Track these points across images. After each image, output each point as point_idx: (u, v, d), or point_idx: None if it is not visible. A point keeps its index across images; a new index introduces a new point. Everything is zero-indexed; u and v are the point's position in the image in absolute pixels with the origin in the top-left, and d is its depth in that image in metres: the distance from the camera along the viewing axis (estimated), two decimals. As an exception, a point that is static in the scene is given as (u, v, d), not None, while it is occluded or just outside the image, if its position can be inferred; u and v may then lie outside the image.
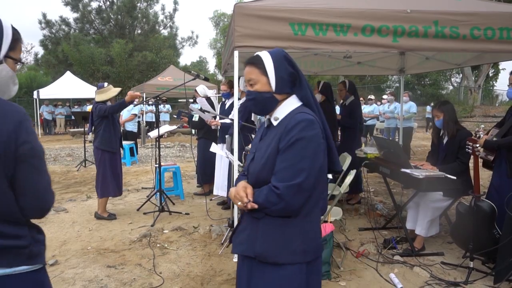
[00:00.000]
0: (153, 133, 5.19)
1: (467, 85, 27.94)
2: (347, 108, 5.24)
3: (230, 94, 5.10)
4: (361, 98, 12.60)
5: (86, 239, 4.20)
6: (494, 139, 3.38)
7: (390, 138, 9.67)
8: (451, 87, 30.55)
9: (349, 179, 3.48)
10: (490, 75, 29.10)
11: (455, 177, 3.44)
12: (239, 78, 4.93)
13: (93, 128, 4.91)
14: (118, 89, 4.81)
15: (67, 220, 4.90)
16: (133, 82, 24.15)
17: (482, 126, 3.20)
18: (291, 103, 1.58)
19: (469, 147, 3.17)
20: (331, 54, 5.99)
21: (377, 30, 3.59)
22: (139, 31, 28.40)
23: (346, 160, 4.39)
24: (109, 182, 4.79)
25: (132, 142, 9.38)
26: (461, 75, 29.89)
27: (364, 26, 3.57)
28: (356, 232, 4.42)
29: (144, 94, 15.61)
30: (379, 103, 12.21)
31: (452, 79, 31.28)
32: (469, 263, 3.25)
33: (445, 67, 5.90)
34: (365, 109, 11.11)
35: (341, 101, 5.46)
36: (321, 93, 4.99)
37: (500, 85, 31.49)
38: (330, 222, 3.47)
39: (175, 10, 27.79)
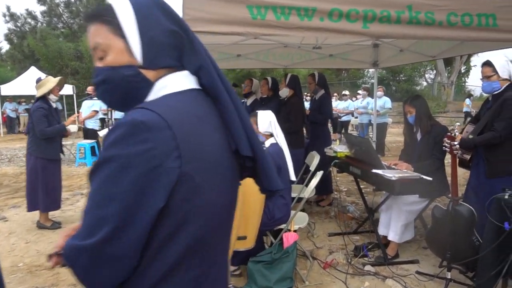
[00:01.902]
0: (102, 132, 4.69)
1: (440, 81, 28.28)
2: (317, 102, 4.87)
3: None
4: (335, 94, 12.39)
5: (19, 254, 3.67)
6: (470, 136, 3.06)
7: (363, 134, 9.43)
8: (425, 83, 30.87)
9: (314, 182, 3.10)
10: (462, 71, 29.56)
11: (431, 178, 3.10)
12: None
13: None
14: (57, 79, 4.26)
15: (4, 231, 4.34)
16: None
17: (458, 123, 2.88)
18: (173, 86, 0.89)
19: (446, 145, 2.83)
20: (300, 45, 5.62)
21: (346, 15, 3.19)
22: (109, 26, 27.46)
23: (314, 160, 4.02)
24: (40, 195, 4.18)
25: (94, 140, 8.76)
26: (434, 71, 30.25)
27: (331, 10, 3.17)
28: (325, 237, 4.05)
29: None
30: (354, 98, 11.96)
31: (426, 75, 31.62)
32: (447, 274, 2.92)
33: (420, 60, 5.61)
34: (340, 105, 10.83)
35: (311, 95, 5.09)
36: (289, 86, 4.59)
37: (472, 81, 32.08)
38: (294, 231, 3.08)
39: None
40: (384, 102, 8.74)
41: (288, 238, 2.96)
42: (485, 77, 3.10)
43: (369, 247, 3.63)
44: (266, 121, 3.11)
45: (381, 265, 3.37)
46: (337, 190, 5.82)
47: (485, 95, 3.89)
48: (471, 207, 2.86)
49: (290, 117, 4.43)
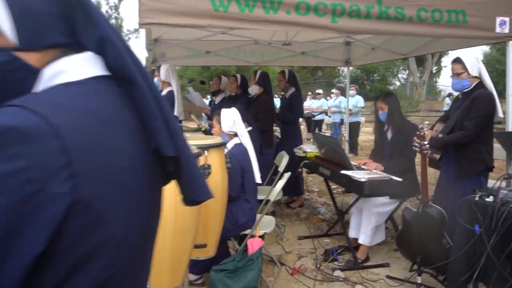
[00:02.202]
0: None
1: (413, 81, 28.84)
2: (287, 101, 4.71)
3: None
4: (309, 93, 12.33)
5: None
6: (440, 135, 2.97)
7: (336, 133, 9.37)
8: (398, 83, 31.40)
9: (280, 183, 2.93)
10: (434, 71, 30.26)
11: (401, 179, 2.99)
12: (159, 67, 4.25)
13: None
14: None
15: None
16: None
17: (427, 122, 2.78)
18: (68, 73, 0.64)
19: (416, 144, 2.72)
20: (271, 42, 5.46)
21: (314, 8, 3.04)
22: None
23: (282, 160, 3.86)
24: None
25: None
26: (407, 71, 30.83)
27: (298, 3, 3.01)
28: (295, 241, 3.90)
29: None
30: (329, 98, 11.93)
31: (399, 75, 32.19)
32: (417, 278, 2.82)
33: (392, 58, 5.56)
34: (314, 104, 10.76)
35: (282, 93, 4.94)
36: (258, 84, 4.41)
37: (443, 81, 32.88)
38: (260, 236, 2.91)
39: (120, 0, 26.31)
40: (356, 101, 8.71)
41: (253, 245, 2.78)
42: (455, 75, 3.02)
43: (339, 251, 3.50)
44: (230, 120, 2.92)
45: (351, 269, 3.24)
46: (308, 191, 5.71)
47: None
48: (441, 209, 2.76)
49: (259, 116, 4.26)
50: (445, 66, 31.39)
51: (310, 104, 11.00)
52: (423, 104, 21.36)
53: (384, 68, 27.96)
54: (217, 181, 2.42)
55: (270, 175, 4.18)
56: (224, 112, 2.95)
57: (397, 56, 5.39)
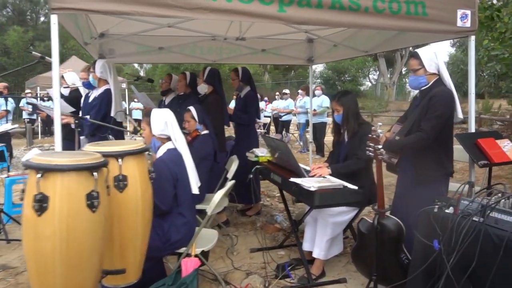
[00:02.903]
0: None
1: (383, 82, 29.19)
2: (241, 101, 4.37)
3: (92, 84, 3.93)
4: (277, 93, 12.05)
5: None
6: (397, 138, 2.68)
7: (302, 134, 9.11)
8: (369, 84, 31.72)
9: (219, 194, 2.57)
10: (403, 72, 30.76)
11: (356, 187, 2.69)
12: (94, 62, 3.81)
13: None
14: None
15: None
16: (34, 76, 21.54)
17: (380, 123, 2.47)
18: None
19: (369, 148, 2.42)
20: (227, 38, 5.09)
21: (258, -4, 2.72)
22: (42, 19, 25.47)
23: (232, 165, 3.51)
24: None
25: (3, 144, 7.70)
26: (378, 72, 31.21)
27: (241, -11, 2.68)
28: (247, 254, 3.55)
29: (38, 88, 13.69)
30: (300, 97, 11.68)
31: (370, 76, 32.54)
32: (374, 298, 2.52)
33: (354, 55, 5.30)
34: (280, 104, 10.46)
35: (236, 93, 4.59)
36: (207, 82, 4.03)
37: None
38: (196, 256, 2.53)
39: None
40: (322, 101, 8.46)
41: (187, 265, 2.41)
42: (412, 71, 2.74)
43: (293, 265, 3.17)
44: (161, 122, 2.54)
45: (305, 287, 2.92)
46: (269, 196, 5.38)
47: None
48: (398, 221, 2.48)
49: (208, 117, 3.88)
50: (414, 68, 31.89)
51: (277, 105, 10.71)
52: (392, 104, 21.58)
53: (355, 69, 28.15)
54: (136, 195, 2.03)
55: (221, 181, 3.82)
56: (155, 113, 2.57)
57: (359, 53, 5.13)
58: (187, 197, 2.53)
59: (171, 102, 4.55)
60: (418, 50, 2.73)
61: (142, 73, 29.51)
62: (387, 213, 2.52)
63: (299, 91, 9.95)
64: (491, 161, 3.11)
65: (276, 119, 10.70)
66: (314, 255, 3.06)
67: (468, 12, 3.22)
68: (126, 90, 14.15)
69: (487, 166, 3.14)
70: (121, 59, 5.63)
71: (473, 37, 3.32)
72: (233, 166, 3.44)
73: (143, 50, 5.42)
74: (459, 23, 3.20)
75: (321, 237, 3.03)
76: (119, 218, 2.02)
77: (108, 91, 3.59)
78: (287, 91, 10.82)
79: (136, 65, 32.12)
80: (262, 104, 12.14)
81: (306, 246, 3.18)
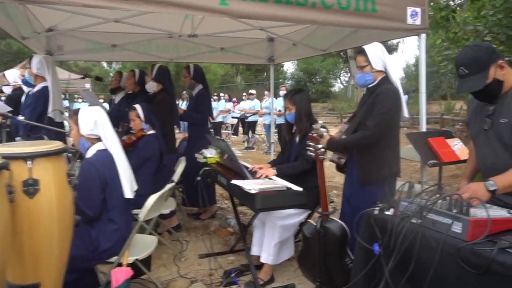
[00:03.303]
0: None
1: (354, 84, 29.64)
2: (193, 99, 4.20)
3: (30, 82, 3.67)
4: (244, 93, 11.92)
5: None
6: (344, 137, 2.59)
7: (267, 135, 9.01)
8: (340, 85, 32.10)
9: (151, 200, 2.40)
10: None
11: (301, 189, 2.57)
12: (31, 58, 3.55)
13: None
14: None
15: None
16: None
17: (320, 122, 2.37)
18: None
19: (310, 148, 2.31)
20: (181, 35, 4.92)
21: (199, -12, 2.57)
22: (3, 16, 24.41)
23: (179, 167, 3.34)
24: None
25: None
26: (349, 74, 31.64)
27: (180, -20, 2.52)
28: (195, 260, 3.38)
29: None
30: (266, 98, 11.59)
31: (341, 77, 32.94)
32: (319, 304, 2.41)
33: (312, 54, 5.24)
34: (246, 104, 10.34)
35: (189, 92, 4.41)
36: (156, 80, 3.83)
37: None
38: (128, 265, 2.35)
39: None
40: (286, 101, 8.37)
41: (118, 276, 2.22)
42: (359, 68, 2.66)
43: (239, 271, 3.03)
44: (90, 121, 2.34)
45: (251, 294, 2.79)
46: (228, 198, 5.23)
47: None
48: (342, 224, 2.38)
49: (156, 117, 3.69)
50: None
51: (243, 105, 10.59)
52: (361, 105, 21.78)
53: (326, 70, 28.39)
54: (50, 200, 1.84)
55: (173, 185, 3.62)
56: (83, 111, 2.37)
57: (317, 52, 5.07)
58: (118, 202, 2.35)
59: (122, 101, 4.33)
60: (365, 47, 2.64)
61: (111, 74, 28.73)
62: (333, 216, 2.42)
63: (265, 91, 9.86)
64: (440, 160, 3.07)
65: (242, 120, 10.56)
66: (262, 260, 2.93)
67: (418, 10, 3.18)
68: (92, 91, 13.69)
69: (437, 165, 3.10)
70: (71, 56, 5.35)
71: (423, 36, 3.28)
72: (180, 167, 3.27)
73: (95, 48, 5.18)
74: (409, 20, 3.15)
75: (269, 241, 2.91)
76: (29, 227, 1.82)
77: (45, 89, 3.35)
78: (253, 91, 10.70)
79: (105, 64, 31.32)
80: (230, 105, 11.99)
81: (254, 251, 3.04)
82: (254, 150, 10.02)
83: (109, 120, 2.40)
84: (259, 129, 11.17)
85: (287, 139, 3.23)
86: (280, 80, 28.01)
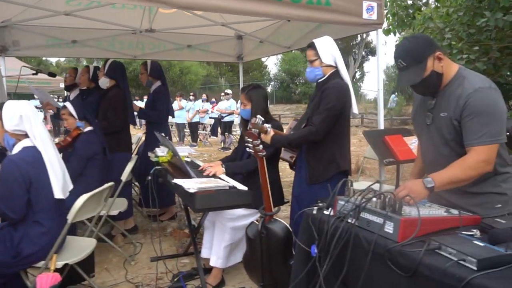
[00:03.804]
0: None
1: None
2: (150, 96, 4.05)
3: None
4: (222, 94, 11.76)
5: None
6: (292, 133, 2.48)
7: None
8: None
9: (81, 200, 2.25)
10: (358, 77, 31.59)
11: (245, 188, 2.45)
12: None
13: None
14: None
15: None
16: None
17: (259, 116, 2.25)
18: None
19: (248, 145, 2.19)
20: (141, 30, 4.77)
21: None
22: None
23: (128, 165, 3.19)
24: None
25: None
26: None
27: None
28: (146, 263, 3.24)
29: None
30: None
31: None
32: (263, 309, 2.29)
33: (278, 51, 5.18)
34: (222, 104, 10.20)
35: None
36: (108, 76, 3.66)
37: (366, 86, 34.61)
38: (57, 269, 2.19)
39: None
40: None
41: (42, 283, 2.06)
42: (309, 62, 2.55)
43: (189, 275, 2.90)
44: (15, 115, 2.18)
45: (197, 299, 2.66)
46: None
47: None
48: (286, 224, 2.27)
49: (108, 114, 3.53)
50: (368, 72, 33.05)
51: (220, 105, 10.45)
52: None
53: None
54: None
55: (122, 185, 3.47)
56: (8, 105, 2.20)
57: (282, 49, 4.99)
58: (47, 204, 2.19)
59: (76, 98, 4.15)
60: (315, 40, 2.54)
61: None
62: (275, 216, 2.30)
63: (241, 91, 9.75)
64: (397, 158, 3.00)
65: (219, 120, 10.42)
66: (211, 263, 2.80)
67: (374, 4, 3.10)
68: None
69: (393, 164, 3.03)
70: (28, 52, 5.15)
71: (380, 31, 3.21)
72: (128, 166, 3.12)
73: (54, 43, 4.99)
74: (365, 15, 3.08)
75: (219, 243, 2.78)
76: None
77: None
78: (229, 91, 10.57)
79: (85, 62, 30.78)
80: (208, 105, 11.83)
81: (204, 253, 2.91)
82: (231, 150, 9.88)
83: (37, 115, 2.24)
84: (236, 129, 11.03)
85: (243, 134, 3.11)
86: (264, 82, 27.96)
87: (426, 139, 1.96)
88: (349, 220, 1.76)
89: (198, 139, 11.33)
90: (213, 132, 11.83)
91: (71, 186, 2.38)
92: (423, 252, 1.39)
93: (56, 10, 3.71)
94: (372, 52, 29.65)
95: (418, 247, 1.44)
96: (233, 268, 2.98)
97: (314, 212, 1.96)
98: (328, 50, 2.51)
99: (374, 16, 3.10)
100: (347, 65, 31.10)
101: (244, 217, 2.79)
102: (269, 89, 28.12)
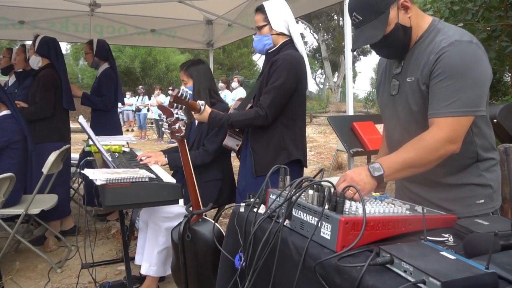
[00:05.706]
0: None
1: (330, 85, 29.49)
2: (96, 81, 3.57)
3: None
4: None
5: None
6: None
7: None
8: (316, 87, 31.91)
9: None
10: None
11: (174, 180, 1.99)
12: None
13: None
14: None
15: None
16: None
17: (184, 87, 1.79)
18: None
19: (164, 124, 1.73)
20: (91, 4, 4.26)
21: None
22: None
23: (50, 156, 2.71)
24: None
25: None
26: (324, 75, 31.54)
27: None
28: (76, 270, 2.76)
29: None
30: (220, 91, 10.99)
31: (316, 79, 32.77)
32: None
33: (248, 34, 4.73)
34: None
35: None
36: (40, 54, 3.15)
37: (358, 85, 34.40)
38: None
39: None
40: (236, 94, 7.84)
41: None
42: (257, 29, 2.10)
43: (119, 284, 2.44)
44: None
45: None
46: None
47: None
48: (217, 225, 1.81)
49: (36, 98, 3.04)
50: (360, 72, 32.86)
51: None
52: (333, 105, 21.64)
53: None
54: None
55: (53, 178, 2.99)
56: None
57: (251, 32, 4.54)
58: None
59: (15, 83, 3.66)
60: (265, 3, 2.09)
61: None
62: (204, 215, 1.85)
63: (220, 84, 9.23)
64: (366, 148, 2.56)
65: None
66: (142, 271, 2.36)
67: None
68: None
69: (362, 154, 2.59)
70: None
71: (347, 2, 2.77)
72: (51, 156, 2.63)
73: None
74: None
75: (151, 248, 2.34)
76: None
77: None
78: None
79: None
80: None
81: (137, 260, 2.47)
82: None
83: None
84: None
85: (187, 122, 2.65)
86: (254, 79, 27.51)
87: (390, 114, 1.50)
88: (278, 220, 1.30)
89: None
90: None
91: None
92: (365, 268, 0.94)
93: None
94: (364, 52, 29.36)
95: (362, 261, 0.98)
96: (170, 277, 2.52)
97: (242, 210, 1.50)
98: (280, 15, 2.06)
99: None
100: (339, 65, 30.77)
101: (182, 216, 2.33)
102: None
